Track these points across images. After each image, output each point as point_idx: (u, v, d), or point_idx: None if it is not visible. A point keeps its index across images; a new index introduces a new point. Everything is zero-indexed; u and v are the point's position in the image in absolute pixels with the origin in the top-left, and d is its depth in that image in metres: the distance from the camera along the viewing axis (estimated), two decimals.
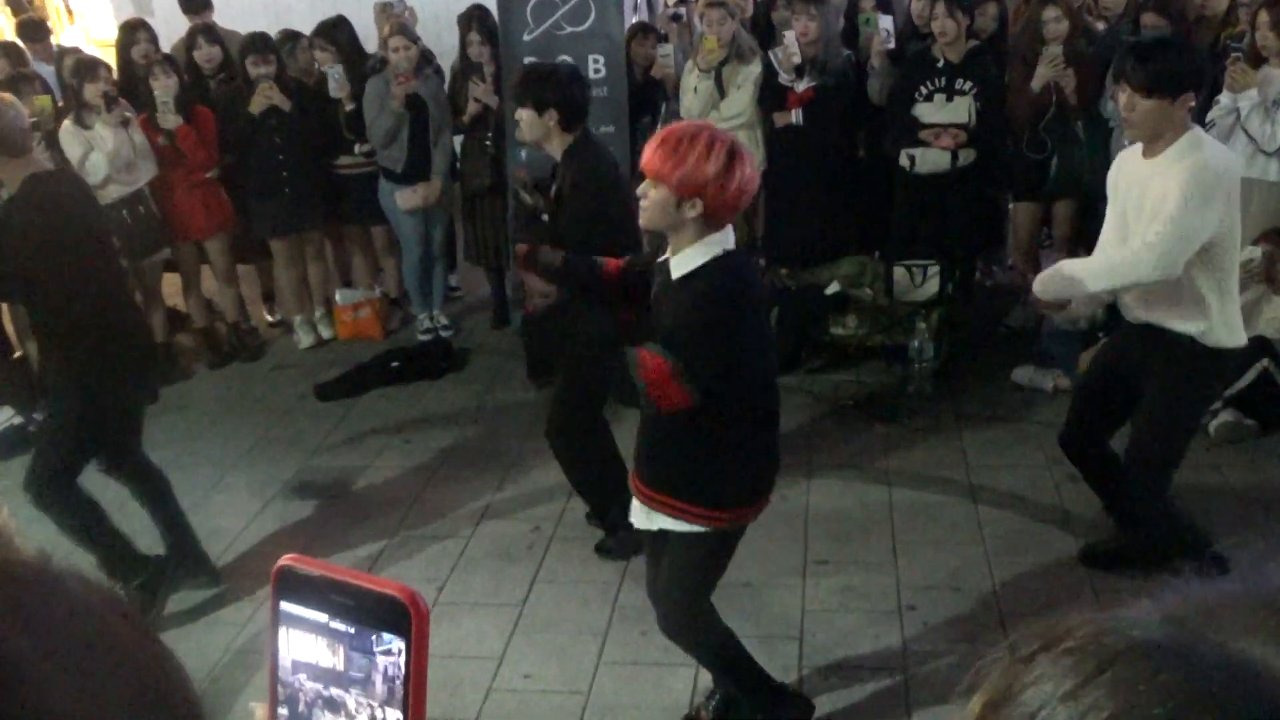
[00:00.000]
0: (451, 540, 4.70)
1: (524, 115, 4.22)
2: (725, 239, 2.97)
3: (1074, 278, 3.77)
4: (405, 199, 6.49)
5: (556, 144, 4.22)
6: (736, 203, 2.95)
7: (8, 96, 4.08)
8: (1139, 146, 3.77)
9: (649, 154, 2.92)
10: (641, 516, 3.27)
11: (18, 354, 6.19)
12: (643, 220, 3.01)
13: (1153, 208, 3.61)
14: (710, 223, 2.93)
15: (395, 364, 6.41)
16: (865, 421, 5.56)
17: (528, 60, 6.03)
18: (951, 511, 4.73)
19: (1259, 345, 5.04)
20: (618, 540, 4.45)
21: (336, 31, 6.57)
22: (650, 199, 2.94)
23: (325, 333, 6.99)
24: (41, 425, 4.11)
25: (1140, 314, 3.83)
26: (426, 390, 6.22)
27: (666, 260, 3.04)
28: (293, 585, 0.81)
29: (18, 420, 5.79)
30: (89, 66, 6.11)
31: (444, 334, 6.85)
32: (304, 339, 6.92)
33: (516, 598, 4.28)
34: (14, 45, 7.20)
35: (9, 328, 6.22)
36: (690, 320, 2.90)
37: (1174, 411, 3.90)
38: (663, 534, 3.25)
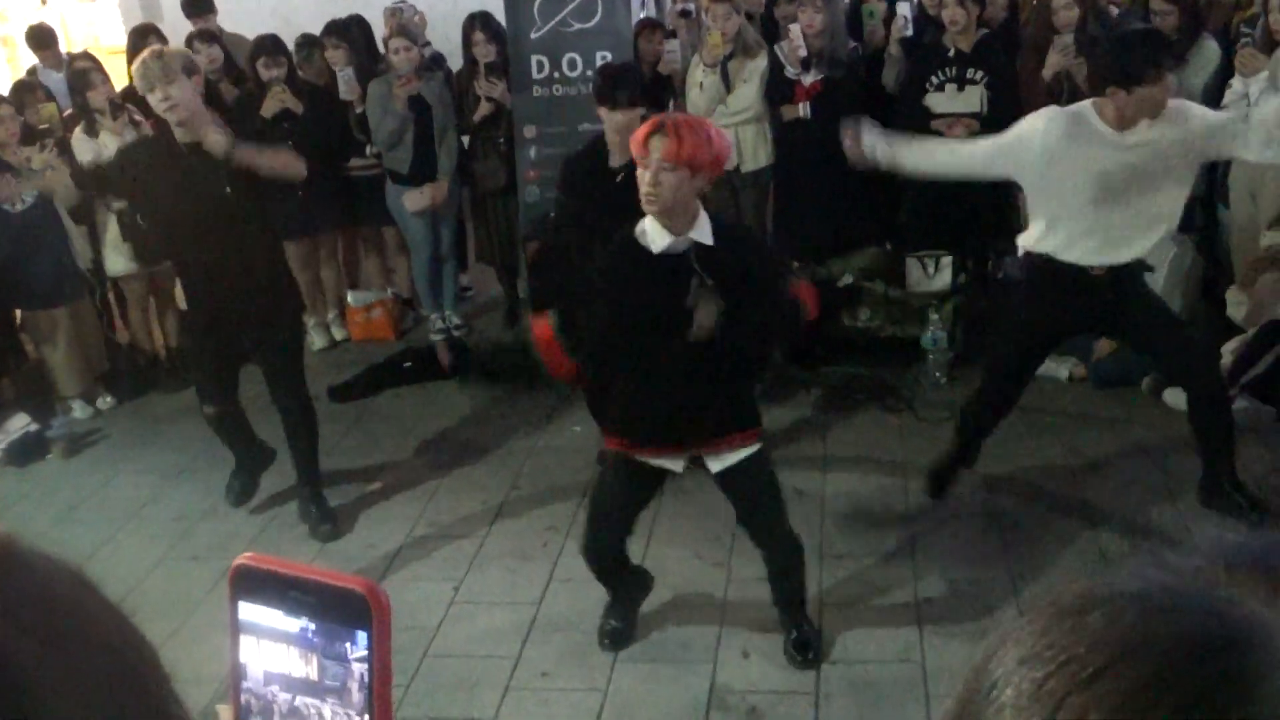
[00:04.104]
0: (467, 540, 4.70)
1: (628, 117, 4.36)
2: None
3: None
4: (413, 200, 6.49)
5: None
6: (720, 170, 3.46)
7: None
8: (1087, 124, 3.96)
9: (672, 145, 3.13)
10: (678, 464, 3.56)
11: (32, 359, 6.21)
12: (657, 205, 3.19)
13: (1181, 150, 3.98)
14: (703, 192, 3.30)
15: (408, 364, 6.42)
16: (880, 414, 5.54)
17: (535, 58, 6.03)
18: (968, 503, 4.71)
19: (1275, 330, 5.00)
20: None
21: (349, 30, 6.58)
22: (667, 182, 3.14)
23: (338, 334, 7.01)
24: (283, 352, 4.72)
25: (1111, 257, 4.07)
26: (440, 390, 6.22)
27: (643, 242, 3.29)
28: (251, 584, 0.78)
29: (34, 427, 5.81)
30: (83, 74, 6.12)
31: (456, 334, 6.85)
32: (317, 341, 6.92)
33: (533, 597, 4.27)
34: None
35: (22, 334, 6.23)
36: (776, 267, 3.43)
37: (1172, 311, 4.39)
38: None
